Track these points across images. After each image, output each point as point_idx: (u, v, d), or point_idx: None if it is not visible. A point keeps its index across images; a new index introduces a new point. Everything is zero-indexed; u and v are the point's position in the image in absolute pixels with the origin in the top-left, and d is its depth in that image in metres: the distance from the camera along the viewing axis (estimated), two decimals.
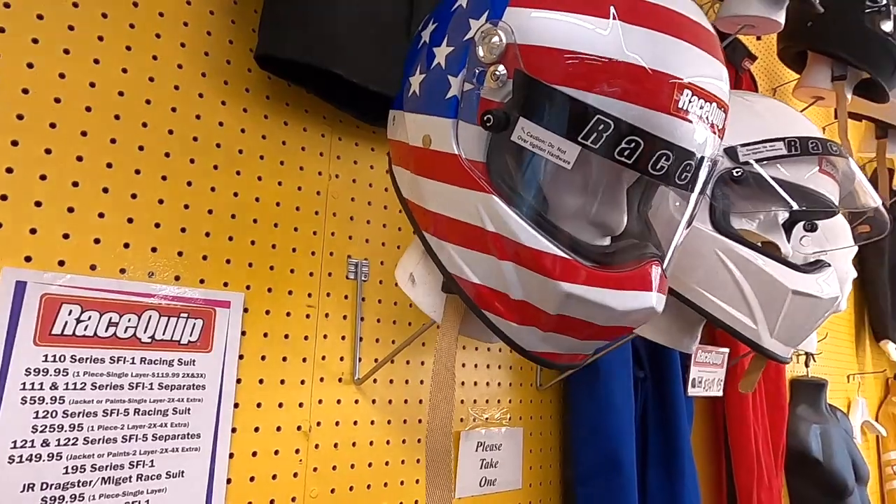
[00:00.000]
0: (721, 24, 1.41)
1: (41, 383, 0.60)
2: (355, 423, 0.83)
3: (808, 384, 1.87)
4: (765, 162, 0.77)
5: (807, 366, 1.93)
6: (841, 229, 1.08)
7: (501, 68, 0.47)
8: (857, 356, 2.44)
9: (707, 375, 1.22)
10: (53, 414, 0.60)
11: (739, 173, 0.76)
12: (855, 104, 1.86)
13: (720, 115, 0.49)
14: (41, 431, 0.59)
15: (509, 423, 1.03)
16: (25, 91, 0.62)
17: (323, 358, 0.81)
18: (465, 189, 0.50)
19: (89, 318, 0.63)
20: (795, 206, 0.73)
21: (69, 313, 0.62)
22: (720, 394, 1.25)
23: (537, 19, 0.47)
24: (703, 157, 0.48)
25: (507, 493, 1.00)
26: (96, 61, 0.67)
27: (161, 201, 0.70)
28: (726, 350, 1.24)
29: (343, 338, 0.84)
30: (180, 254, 0.71)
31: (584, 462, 1.04)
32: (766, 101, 0.86)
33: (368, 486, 0.83)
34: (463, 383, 0.97)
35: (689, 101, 0.46)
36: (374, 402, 0.86)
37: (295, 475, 0.77)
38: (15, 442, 0.58)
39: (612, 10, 0.45)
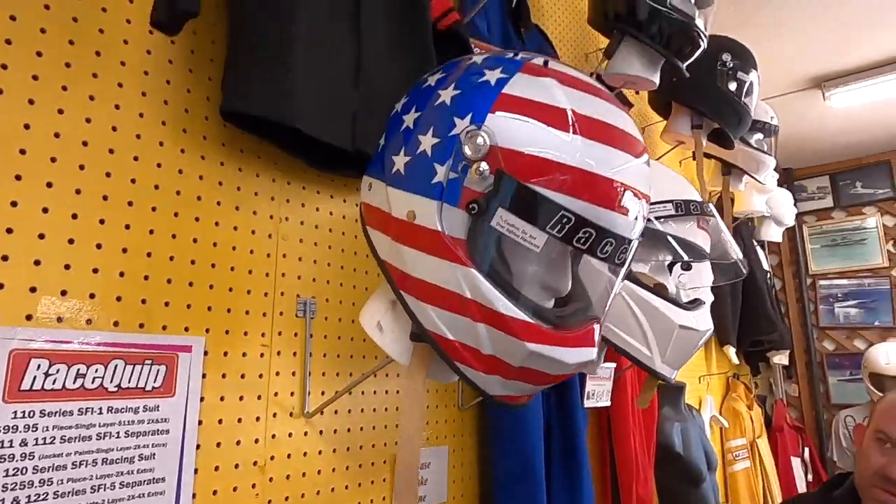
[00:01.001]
0: (608, 78, 1.62)
1: (11, 440, 0.59)
2: (305, 454, 0.88)
3: (672, 388, 2.16)
4: (659, 219, 0.94)
5: None
6: (706, 266, 1.30)
7: (485, 165, 0.56)
8: (706, 360, 2.83)
9: (598, 388, 1.40)
10: (24, 471, 0.60)
11: None
12: (708, 147, 2.19)
13: (646, 207, 0.62)
14: (11, 489, 0.59)
15: (436, 443, 1.12)
16: None
17: (276, 394, 0.85)
18: (447, 261, 0.59)
19: (57, 371, 0.63)
20: (685, 257, 0.91)
21: (38, 367, 0.62)
22: (608, 403, 1.45)
23: (515, 127, 0.57)
24: (632, 240, 0.61)
25: None
26: (60, 111, 0.67)
27: (125, 250, 0.71)
28: (613, 364, 1.44)
29: (293, 373, 0.88)
30: (143, 301, 0.72)
31: (502, 471, 1.16)
32: (659, 167, 1.04)
33: None
34: (396, 408, 1.05)
35: (628, 200, 0.58)
36: (320, 433, 0.91)
37: None
38: None
39: (574, 125, 0.57)
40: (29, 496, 0.60)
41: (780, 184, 3.95)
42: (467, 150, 0.57)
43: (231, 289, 0.81)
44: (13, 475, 0.59)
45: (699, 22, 1.53)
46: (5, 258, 0.61)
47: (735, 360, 2.90)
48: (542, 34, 1.64)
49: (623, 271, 0.65)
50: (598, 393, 1.42)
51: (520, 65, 0.61)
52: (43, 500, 0.61)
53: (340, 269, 0.98)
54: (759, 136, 2.43)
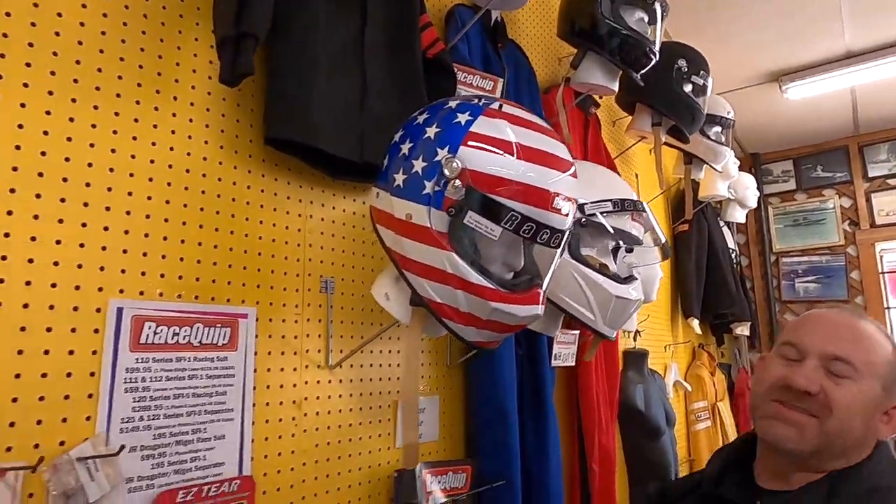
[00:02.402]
0: (574, 86, 1.88)
1: (135, 378, 0.86)
2: (329, 396, 1.15)
3: (635, 354, 2.46)
4: (601, 213, 1.21)
5: (634, 340, 2.52)
6: (647, 250, 1.57)
7: (458, 182, 0.83)
8: (671, 330, 3.13)
9: (564, 350, 1.68)
10: (144, 399, 0.86)
11: (585, 221, 1.19)
12: (669, 140, 2.46)
13: (573, 207, 0.89)
14: (137, 411, 0.86)
15: (429, 393, 1.40)
16: (111, 170, 0.86)
17: (307, 351, 1.12)
18: (435, 248, 0.85)
19: (161, 330, 0.90)
20: (621, 243, 1.18)
21: (149, 328, 0.88)
22: (573, 364, 1.73)
23: (478, 155, 0.83)
24: (564, 230, 0.88)
25: (429, 443, 1.37)
26: (153, 143, 0.92)
27: (200, 244, 0.97)
28: (577, 332, 1.72)
29: (319, 336, 1.15)
30: (213, 281, 0.98)
31: (482, 416, 1.44)
32: (602, 171, 1.31)
33: (339, 441, 1.16)
34: (398, 364, 1.32)
35: (559, 202, 0.85)
36: (340, 381, 1.18)
37: (293, 435, 1.07)
38: (122, 418, 0.84)
39: (519, 152, 0.83)
40: (149, 416, 0.87)
41: (748, 168, 4.24)
42: (446, 172, 0.84)
43: (273, 271, 1.08)
44: (139, 401, 0.86)
45: (652, 37, 1.78)
46: (125, 251, 0.87)
47: (698, 331, 3.20)
48: (516, 47, 1.89)
49: (559, 252, 0.92)
50: (563, 355, 1.69)
51: (481, 110, 0.87)
52: (156, 419, 0.88)
53: (352, 255, 1.25)
54: (718, 128, 2.70)
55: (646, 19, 1.80)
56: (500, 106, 0.89)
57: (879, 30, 2.80)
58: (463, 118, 0.87)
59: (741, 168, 3.52)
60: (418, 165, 0.87)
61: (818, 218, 4.19)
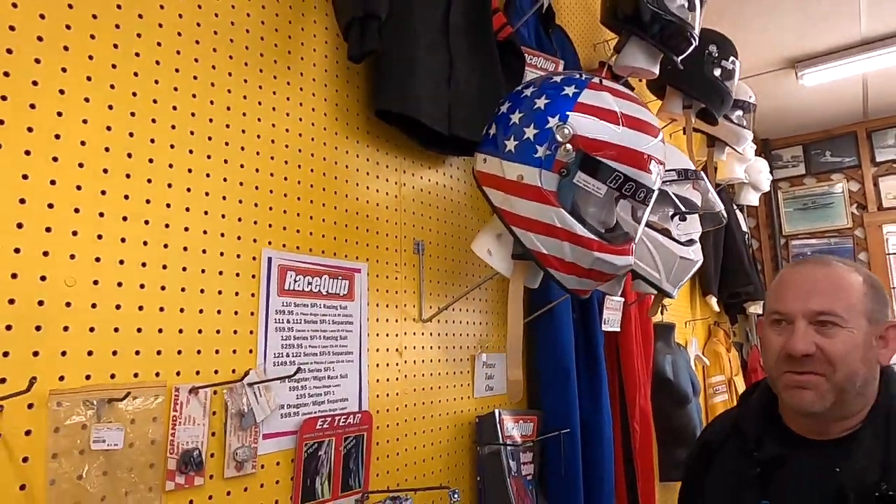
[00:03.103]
0: (617, 69, 1.99)
1: (283, 319, 0.98)
2: (423, 347, 1.28)
3: (664, 327, 2.59)
4: (667, 182, 1.33)
5: (661, 314, 2.65)
6: (696, 219, 1.70)
7: (570, 146, 0.95)
8: (691, 307, 3.27)
9: (612, 316, 1.81)
10: (289, 338, 0.98)
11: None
12: (696, 123, 2.58)
13: (662, 169, 1.01)
14: (285, 347, 0.98)
15: (498, 351, 1.52)
16: (259, 136, 0.98)
17: (405, 305, 1.24)
18: (545, 205, 0.97)
19: (300, 279, 1.01)
20: (683, 209, 1.30)
21: (291, 276, 1.00)
22: (618, 329, 1.85)
23: (587, 123, 0.95)
24: (654, 189, 1.00)
25: (501, 395, 1.50)
26: (287, 114, 1.04)
27: (324, 204, 1.08)
28: (622, 299, 1.84)
29: (414, 292, 1.27)
30: (335, 238, 1.10)
31: (546, 373, 1.57)
32: (669, 146, 1.43)
33: (431, 388, 1.28)
34: (477, 323, 1.44)
35: (653, 165, 0.97)
36: (430, 334, 1.30)
37: (396, 379, 1.20)
38: (275, 353, 0.96)
39: (621, 120, 0.95)
40: (294, 353, 0.99)
41: (758, 153, 4.37)
42: (558, 137, 0.95)
43: (377, 232, 1.19)
44: (285, 339, 0.98)
45: (692, 23, 1.90)
46: (270, 208, 0.98)
47: (716, 308, 3.34)
48: (563, 33, 2.00)
49: (648, 209, 1.04)
50: (612, 320, 1.83)
51: (586, 83, 0.99)
52: (298, 357, 1.00)
53: (438, 220, 1.36)
54: (740, 112, 2.83)
55: (686, 5, 1.91)
56: (601, 80, 1.00)
57: (895, 16, 2.92)
58: (570, 90, 0.98)
59: None
60: (530, 132, 0.99)
61: (827, 202, 4.33)
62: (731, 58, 2.37)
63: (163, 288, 0.82)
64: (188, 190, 0.87)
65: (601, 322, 1.77)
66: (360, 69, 1.20)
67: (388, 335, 1.19)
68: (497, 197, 1.04)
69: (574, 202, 1.01)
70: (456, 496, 1.10)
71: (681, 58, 1.96)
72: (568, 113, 0.96)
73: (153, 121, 0.84)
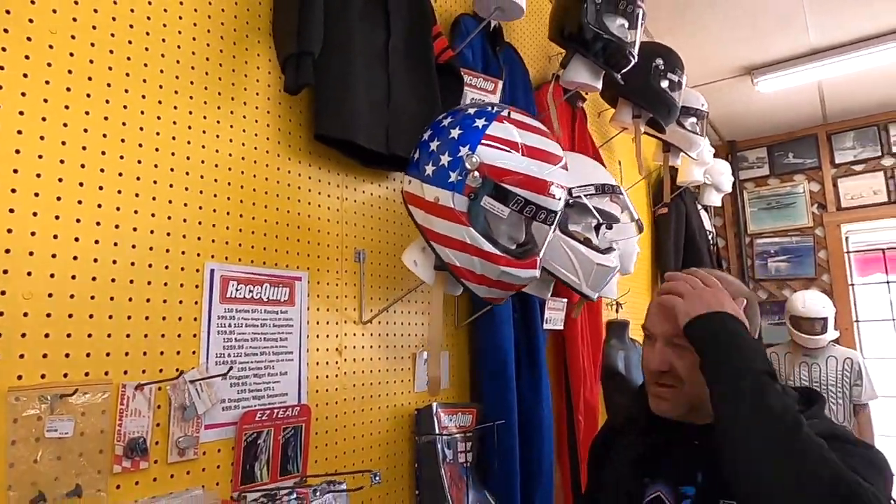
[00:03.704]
0: (563, 84, 2.12)
1: (224, 324, 1.10)
2: (363, 346, 1.41)
3: (619, 324, 2.74)
4: (585, 196, 1.47)
5: (617, 311, 2.80)
6: (628, 226, 1.84)
7: (477, 174, 1.08)
8: None
9: (555, 315, 1.94)
10: (230, 340, 1.11)
11: (572, 202, 1.45)
12: (649, 130, 2.71)
13: (564, 192, 1.14)
14: (226, 349, 1.10)
15: (442, 349, 1.66)
16: (202, 161, 1.10)
17: (345, 309, 1.37)
18: (458, 224, 1.10)
19: (241, 287, 1.14)
20: (601, 220, 1.44)
21: (233, 285, 1.13)
22: (562, 328, 1.99)
23: (492, 153, 1.08)
24: (557, 211, 1.13)
25: (442, 390, 1.63)
26: (230, 140, 1.16)
27: (265, 220, 1.21)
28: (565, 299, 1.98)
29: (354, 297, 1.40)
30: (276, 250, 1.22)
31: (485, 370, 1.71)
32: (587, 161, 1.56)
33: (371, 384, 1.42)
34: (416, 324, 1.57)
35: (553, 190, 1.10)
36: (371, 334, 1.43)
37: (336, 376, 1.33)
38: (217, 354, 1.08)
39: (523, 150, 1.08)
40: (235, 353, 1.11)
41: (724, 155, 4.52)
42: (467, 165, 1.08)
43: (318, 243, 1.32)
44: (227, 342, 1.10)
45: (631, 41, 2.02)
46: (213, 225, 1.11)
47: None
48: (512, 49, 2.13)
49: (552, 228, 1.17)
50: (554, 319, 1.96)
51: (494, 116, 1.12)
52: (239, 357, 1.12)
53: (379, 231, 1.49)
54: (693, 119, 2.96)
55: (626, 25, 2.04)
56: (509, 113, 1.13)
57: (841, 29, 3.06)
58: (480, 123, 1.11)
59: (719, 154, 3.80)
60: (444, 159, 1.12)
61: (789, 201, 4.49)
62: (678, 70, 2.51)
63: (111, 299, 0.94)
64: (135, 212, 0.99)
65: (542, 321, 1.91)
66: (303, 95, 1.32)
67: (328, 336, 1.32)
68: (419, 215, 1.17)
69: (486, 221, 1.14)
70: (377, 478, 1.24)
71: (621, 73, 2.10)
72: (477, 143, 1.09)
73: (102, 152, 0.96)
